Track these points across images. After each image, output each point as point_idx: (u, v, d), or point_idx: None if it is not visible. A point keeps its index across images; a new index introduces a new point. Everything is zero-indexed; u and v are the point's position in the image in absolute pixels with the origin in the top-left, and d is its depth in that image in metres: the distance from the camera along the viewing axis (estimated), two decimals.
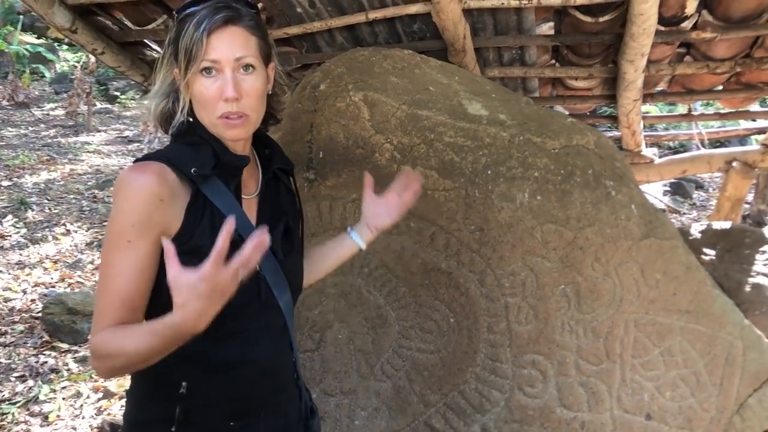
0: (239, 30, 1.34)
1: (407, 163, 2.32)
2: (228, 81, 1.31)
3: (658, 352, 2.26)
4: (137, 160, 1.34)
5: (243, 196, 1.44)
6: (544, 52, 3.17)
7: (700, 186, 12.10)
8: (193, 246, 1.30)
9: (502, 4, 2.58)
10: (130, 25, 3.03)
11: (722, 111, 3.72)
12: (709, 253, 2.70)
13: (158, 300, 1.30)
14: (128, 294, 1.28)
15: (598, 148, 2.34)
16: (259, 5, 2.78)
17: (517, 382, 2.31)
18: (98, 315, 1.28)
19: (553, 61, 3.28)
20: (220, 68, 1.32)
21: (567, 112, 3.86)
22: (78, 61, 13.85)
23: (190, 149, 1.36)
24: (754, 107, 3.80)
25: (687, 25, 2.71)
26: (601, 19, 2.63)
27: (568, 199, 2.26)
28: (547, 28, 2.99)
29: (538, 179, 2.27)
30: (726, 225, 2.81)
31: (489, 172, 2.28)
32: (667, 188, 11.43)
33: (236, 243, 1.28)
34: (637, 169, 3.61)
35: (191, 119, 1.40)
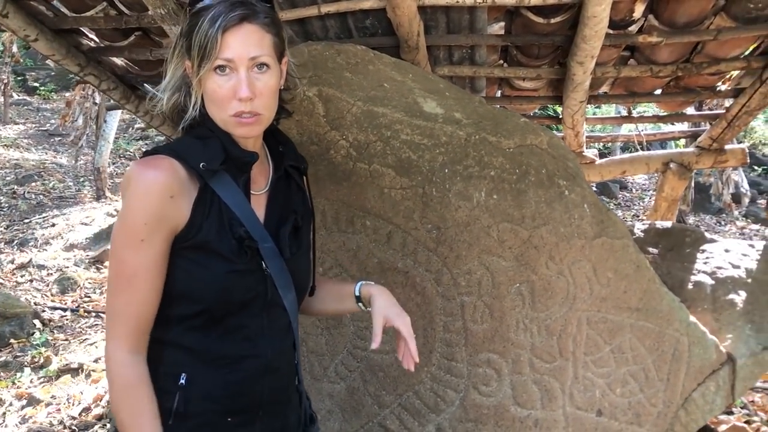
0: (255, 28, 1.33)
1: (363, 160, 2.28)
2: (242, 81, 1.31)
3: (609, 349, 2.30)
4: (146, 153, 1.33)
5: (252, 191, 1.43)
6: (494, 52, 3.19)
7: (624, 187, 12.61)
8: (200, 240, 1.31)
9: (457, 2, 2.57)
10: (66, 11, 2.86)
11: (660, 114, 3.86)
12: (653, 252, 2.78)
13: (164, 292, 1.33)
14: (147, 294, 1.29)
15: (551, 148, 2.36)
16: None
17: (472, 380, 2.31)
18: (118, 321, 1.30)
19: (502, 62, 3.30)
20: (234, 67, 1.31)
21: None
22: None
23: (200, 143, 1.36)
24: (690, 110, 3.94)
25: (634, 29, 2.77)
26: (552, 21, 2.66)
27: (523, 198, 2.27)
28: (498, 28, 3.00)
29: (494, 178, 2.28)
30: (667, 224, 2.90)
31: (446, 170, 2.27)
32: (594, 188, 11.84)
33: (243, 239, 1.35)
34: None
35: (202, 111, 1.38)
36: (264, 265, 1.38)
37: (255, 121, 1.35)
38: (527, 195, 2.27)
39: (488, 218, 2.26)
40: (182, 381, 1.35)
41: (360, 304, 1.63)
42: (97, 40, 3.12)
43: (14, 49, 11.05)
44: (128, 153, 12.26)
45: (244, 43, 1.31)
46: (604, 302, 2.29)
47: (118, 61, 3.27)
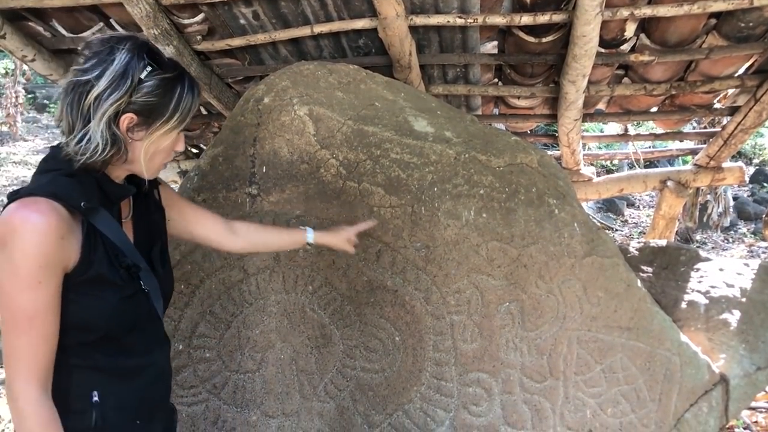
0: None
1: (353, 179, 2.29)
2: (183, 137, 1.57)
3: (599, 369, 2.28)
4: (16, 195, 1.35)
5: (122, 219, 1.54)
6: (488, 71, 3.20)
7: (631, 204, 12.53)
8: (93, 274, 1.38)
9: (448, 22, 2.59)
10: (63, 32, 2.90)
11: (657, 132, 3.85)
12: (647, 271, 2.76)
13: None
14: (48, 332, 1.34)
15: (542, 167, 2.36)
16: (201, 16, 2.72)
17: (462, 400, 2.29)
18: (24, 361, 1.33)
19: (497, 80, 3.31)
20: None
21: (507, 130, 3.91)
22: (4, 69, 13.29)
23: (74, 182, 1.39)
24: (687, 128, 3.93)
25: (626, 47, 2.78)
26: (543, 40, 2.68)
27: (512, 217, 2.27)
28: (491, 47, 3.02)
29: (483, 197, 2.28)
30: (662, 243, 2.88)
31: (435, 189, 2.27)
32: (600, 205, 11.80)
33: (129, 267, 1.46)
34: (576, 187, 3.68)
35: (62, 150, 1.40)
36: (142, 285, 1.50)
37: None
38: (517, 214, 2.27)
39: (477, 237, 2.26)
40: (95, 398, 1.44)
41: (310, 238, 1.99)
42: None
43: (25, 66, 11.16)
44: None
45: None
46: (595, 321, 2.28)
47: None
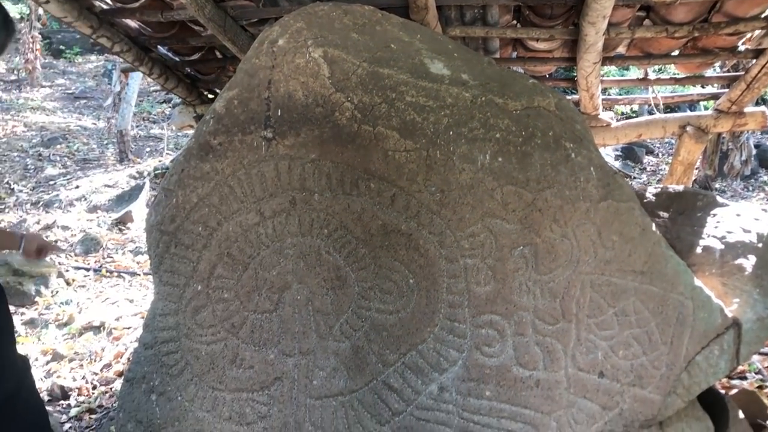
0: None
1: (368, 122, 2.28)
2: None
3: (612, 312, 2.30)
4: None
5: None
6: (506, 13, 3.14)
7: (650, 151, 12.40)
8: None
9: None
10: None
11: (678, 76, 3.78)
12: (663, 216, 2.75)
13: None
14: None
15: (559, 110, 2.34)
16: None
17: (475, 341, 2.33)
18: None
19: (515, 22, 3.25)
20: None
21: (525, 73, 3.85)
22: (20, 14, 13.22)
23: None
24: (709, 72, 3.85)
25: None
26: None
27: (528, 160, 2.26)
28: None
29: (499, 141, 2.26)
30: (679, 188, 2.86)
31: (451, 132, 2.26)
32: (619, 153, 11.68)
33: None
34: (594, 133, 3.63)
35: None
36: None
37: None
38: (533, 158, 2.26)
39: (492, 181, 2.25)
40: None
41: None
42: (110, 1, 3.13)
43: (40, 11, 11.08)
44: (152, 116, 12.35)
45: None
46: (609, 265, 2.29)
47: (131, 22, 3.29)
